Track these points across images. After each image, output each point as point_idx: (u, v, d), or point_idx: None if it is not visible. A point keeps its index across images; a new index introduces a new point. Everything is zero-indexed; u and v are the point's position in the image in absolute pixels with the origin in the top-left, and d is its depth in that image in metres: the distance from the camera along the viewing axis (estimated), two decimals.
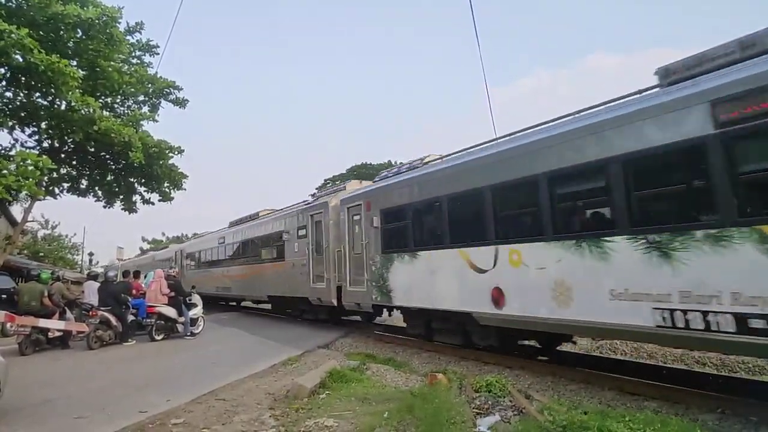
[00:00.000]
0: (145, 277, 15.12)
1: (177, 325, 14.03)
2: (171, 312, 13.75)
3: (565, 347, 13.57)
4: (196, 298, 14.86)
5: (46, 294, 11.75)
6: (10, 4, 13.53)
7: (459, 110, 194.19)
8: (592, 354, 11.85)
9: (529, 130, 9.05)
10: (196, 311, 14.49)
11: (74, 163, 18.70)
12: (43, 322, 10.98)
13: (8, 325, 10.63)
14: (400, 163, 47.33)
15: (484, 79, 40.63)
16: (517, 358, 11.20)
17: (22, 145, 16.71)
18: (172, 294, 13.95)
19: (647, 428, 4.65)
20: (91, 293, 13.05)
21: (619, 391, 8.38)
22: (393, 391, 7.86)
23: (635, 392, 8.21)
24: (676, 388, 8.32)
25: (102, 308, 12.20)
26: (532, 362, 10.77)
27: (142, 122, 17.40)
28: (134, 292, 13.71)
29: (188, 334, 13.96)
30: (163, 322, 13.68)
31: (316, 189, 47.57)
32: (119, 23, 15.87)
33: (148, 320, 13.51)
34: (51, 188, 17.94)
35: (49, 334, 11.39)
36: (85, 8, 14.33)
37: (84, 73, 15.06)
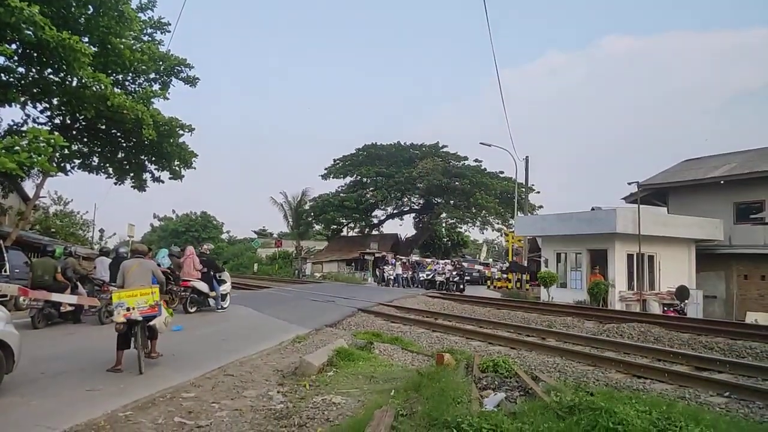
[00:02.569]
0: (155, 255, 15.21)
1: (209, 299, 14.54)
2: (203, 286, 14.16)
3: (573, 329, 13.63)
4: (226, 275, 15.32)
5: (59, 269, 11.88)
6: None
7: (470, 92, 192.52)
8: (599, 337, 11.89)
9: None
10: (226, 287, 14.97)
11: (85, 140, 18.76)
12: (56, 296, 11.11)
13: (21, 298, 10.78)
14: (410, 144, 46.86)
15: (494, 61, 40.02)
16: (525, 340, 11.27)
17: (34, 121, 16.79)
18: (205, 270, 14.30)
19: (653, 410, 4.66)
20: (102, 269, 13.18)
21: (625, 373, 8.43)
22: (400, 370, 7.93)
23: (642, 375, 8.25)
24: (682, 372, 8.35)
25: (113, 284, 12.29)
26: (540, 344, 10.84)
27: (152, 100, 17.39)
28: None
29: (219, 307, 14.54)
30: (195, 295, 14.11)
31: (325, 169, 47.59)
32: (131, 0, 15.83)
33: (183, 293, 13.94)
34: (63, 165, 18.04)
35: (62, 308, 11.54)
36: None
37: (95, 49, 15.01)
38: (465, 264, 37.82)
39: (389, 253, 37.73)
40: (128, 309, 7.50)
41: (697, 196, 25.70)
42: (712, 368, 8.67)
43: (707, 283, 23.92)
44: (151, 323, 7.71)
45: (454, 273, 28.49)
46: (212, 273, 14.63)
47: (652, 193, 27.71)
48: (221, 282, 14.92)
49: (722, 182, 24.31)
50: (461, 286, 27.72)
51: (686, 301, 20.37)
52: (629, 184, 25.09)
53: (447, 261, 32.78)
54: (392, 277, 31.22)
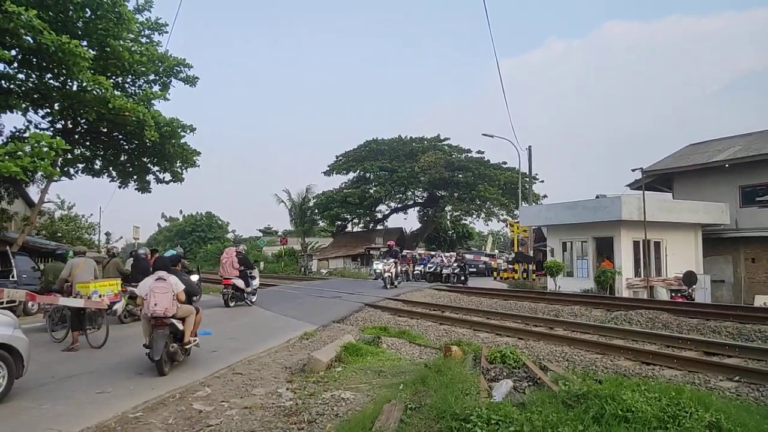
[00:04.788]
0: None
1: (245, 294, 15.77)
2: (241, 283, 15.50)
3: (581, 318, 13.61)
4: (255, 272, 16.64)
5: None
6: None
7: (470, 84, 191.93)
8: (607, 325, 11.86)
9: None
10: (255, 283, 16.36)
11: (88, 143, 18.80)
12: (62, 301, 11.13)
13: (29, 303, 10.82)
14: (411, 138, 46.83)
15: (494, 51, 39.81)
16: (533, 330, 11.26)
17: (36, 126, 16.83)
18: (242, 268, 15.56)
19: (663, 396, 4.64)
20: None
21: (634, 360, 8.41)
22: (408, 364, 7.93)
23: (651, 362, 8.23)
24: (691, 357, 8.33)
25: (134, 284, 12.44)
26: (547, 333, 10.82)
27: (153, 101, 17.39)
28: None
29: (249, 302, 15.84)
30: (233, 291, 15.41)
31: (328, 166, 47.59)
32: (127, 2, 15.80)
33: (225, 290, 15.40)
34: (66, 169, 18.09)
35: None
36: None
37: (94, 53, 15.02)
38: (470, 256, 37.78)
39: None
40: (100, 296, 9.42)
41: (702, 181, 25.56)
42: (722, 353, 8.64)
43: (715, 267, 23.83)
44: (114, 307, 9.77)
45: (455, 264, 28.07)
46: (247, 271, 15.98)
47: (657, 179, 27.57)
48: (252, 278, 16.23)
49: (727, 166, 24.16)
50: (462, 278, 27.44)
51: (694, 286, 20.30)
52: (633, 170, 24.99)
53: (452, 253, 32.48)
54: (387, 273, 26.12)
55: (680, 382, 6.81)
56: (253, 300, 16.11)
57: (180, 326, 7.70)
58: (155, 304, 7.38)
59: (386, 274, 21.20)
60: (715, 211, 23.54)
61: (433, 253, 34.62)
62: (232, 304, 15.39)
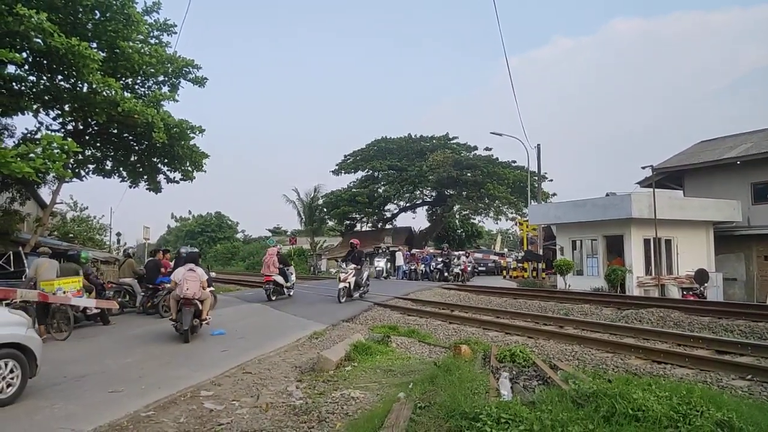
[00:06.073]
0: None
1: (284, 288, 17.50)
2: (281, 279, 17.33)
3: (591, 317, 13.54)
4: (291, 269, 18.66)
5: (81, 273, 12.10)
6: None
7: (477, 83, 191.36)
8: (617, 324, 11.79)
9: None
10: (293, 278, 18.32)
11: (98, 144, 18.90)
12: (75, 301, 11.27)
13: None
14: (419, 136, 46.71)
15: (504, 50, 39.58)
16: (543, 329, 11.21)
17: (47, 128, 16.95)
18: (280, 265, 17.39)
19: (673, 395, 4.62)
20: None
21: (645, 359, 8.36)
22: (417, 363, 7.94)
23: (662, 360, 8.17)
24: (703, 356, 8.26)
25: (149, 285, 14.00)
26: (557, 332, 10.77)
27: (162, 102, 17.48)
28: (163, 270, 14.11)
29: (288, 295, 17.66)
30: (274, 286, 17.01)
31: (337, 165, 47.62)
32: (136, 3, 15.88)
33: (267, 286, 16.95)
34: (77, 170, 18.21)
35: (88, 311, 11.81)
36: None
37: (104, 54, 15.11)
38: (480, 254, 37.64)
39: (403, 246, 37.60)
40: (64, 292, 10.52)
41: (713, 178, 25.34)
42: (734, 351, 8.56)
43: (727, 265, 23.62)
44: (76, 303, 10.80)
45: (439, 260, 27.66)
46: (285, 268, 17.81)
47: (667, 177, 27.36)
48: (290, 274, 18.15)
49: (738, 163, 23.95)
50: (445, 274, 26.90)
51: (705, 284, 20.13)
52: (643, 168, 24.78)
53: (462, 252, 32.30)
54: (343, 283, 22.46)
55: (692, 380, 6.76)
56: (291, 293, 17.90)
57: (200, 306, 10.18)
58: (187, 289, 9.84)
59: (342, 284, 16.20)
60: (726, 208, 23.33)
61: (432, 251, 33.86)
62: (273, 298, 16.82)
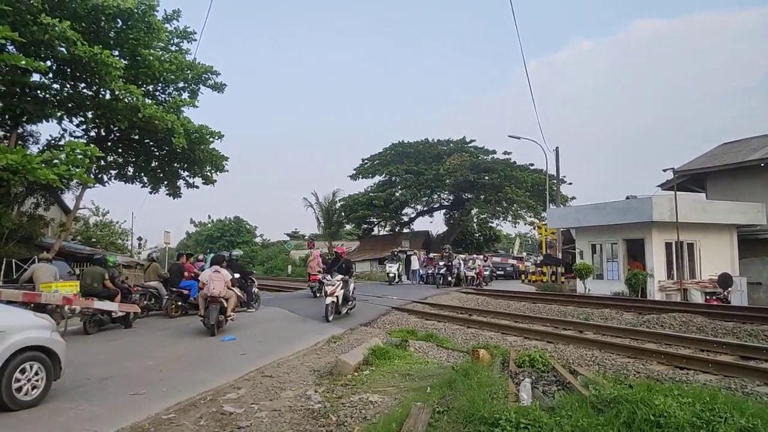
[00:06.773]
0: (205, 260, 16.88)
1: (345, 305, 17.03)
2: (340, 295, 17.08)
3: (612, 321, 13.38)
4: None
5: (107, 276, 12.31)
6: None
7: (498, 86, 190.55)
8: (639, 328, 11.64)
9: None
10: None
11: (120, 150, 19.22)
12: (97, 304, 11.46)
13: (66, 307, 11.14)
14: (437, 140, 46.60)
15: (521, 52, 39.36)
16: (562, 333, 11.11)
17: (70, 134, 17.33)
18: (325, 266, 18.31)
19: (696, 401, 4.54)
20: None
21: (667, 365, 8.24)
22: (435, 367, 7.92)
23: (684, 366, 8.05)
24: (727, 362, 8.11)
25: (174, 288, 14.34)
26: (577, 337, 10.67)
27: (182, 108, 17.72)
28: (186, 274, 14.35)
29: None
30: (319, 284, 18.04)
31: (354, 170, 47.76)
32: (157, 11, 16.15)
33: (312, 284, 19.05)
34: (100, 176, 18.53)
35: (113, 314, 12.00)
36: None
37: (126, 62, 15.38)
38: (498, 258, 37.36)
39: (420, 250, 37.50)
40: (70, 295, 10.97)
41: (736, 180, 24.90)
42: (759, 357, 8.39)
43: (751, 269, 23.16)
44: (100, 307, 11.34)
45: (441, 264, 26.46)
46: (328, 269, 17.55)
47: (689, 179, 26.97)
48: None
49: (762, 165, 23.50)
50: (449, 279, 25.19)
51: (729, 288, 19.75)
52: (665, 170, 24.48)
53: (479, 255, 32.01)
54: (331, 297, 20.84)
55: (715, 387, 6.64)
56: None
57: (225, 304, 11.26)
58: (213, 288, 10.91)
59: (329, 299, 13.59)
60: (751, 211, 22.90)
61: (432, 254, 32.76)
62: (318, 295, 18.09)
